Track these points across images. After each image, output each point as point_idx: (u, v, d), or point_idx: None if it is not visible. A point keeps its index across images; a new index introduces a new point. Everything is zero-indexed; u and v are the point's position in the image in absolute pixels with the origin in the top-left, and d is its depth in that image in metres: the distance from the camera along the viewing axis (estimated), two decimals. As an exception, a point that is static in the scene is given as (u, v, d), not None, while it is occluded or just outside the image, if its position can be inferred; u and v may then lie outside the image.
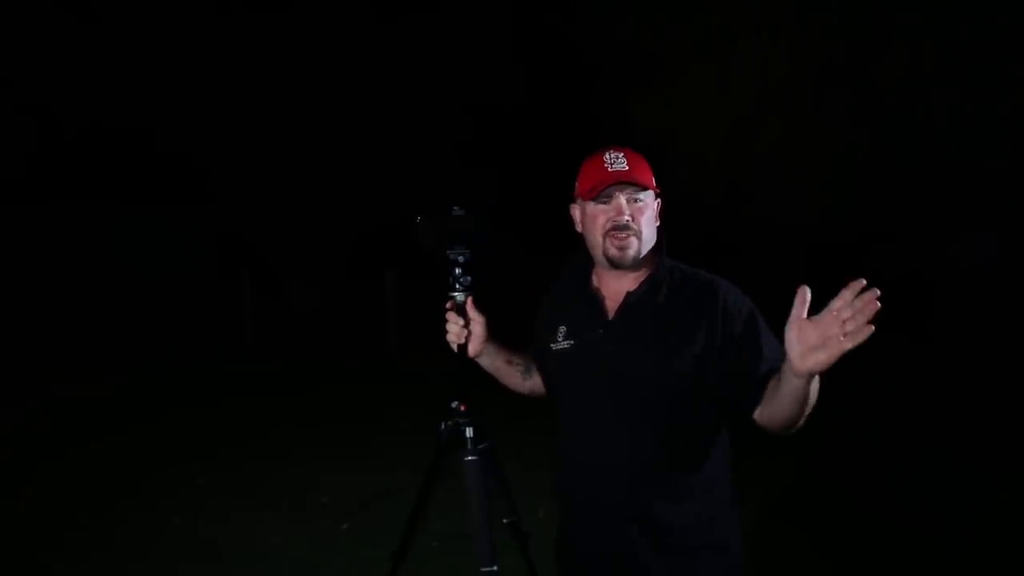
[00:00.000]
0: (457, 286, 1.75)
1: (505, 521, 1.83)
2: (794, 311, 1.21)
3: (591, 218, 1.58)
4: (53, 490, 4.57)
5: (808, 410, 1.36)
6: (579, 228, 1.66)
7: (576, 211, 1.66)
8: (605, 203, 1.55)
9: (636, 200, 1.55)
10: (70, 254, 10.41)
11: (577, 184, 1.62)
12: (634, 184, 1.53)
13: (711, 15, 9.76)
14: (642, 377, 1.53)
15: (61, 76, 9.76)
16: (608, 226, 1.54)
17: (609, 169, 1.54)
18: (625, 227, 1.53)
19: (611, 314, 1.60)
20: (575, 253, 1.75)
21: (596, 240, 1.57)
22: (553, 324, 1.69)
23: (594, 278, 1.67)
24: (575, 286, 1.69)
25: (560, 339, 1.65)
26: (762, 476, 4.26)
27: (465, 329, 1.72)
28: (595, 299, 1.63)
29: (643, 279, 1.59)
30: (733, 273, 1.63)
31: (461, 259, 1.76)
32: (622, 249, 1.54)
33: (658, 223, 1.62)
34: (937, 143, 9.16)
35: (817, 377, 1.31)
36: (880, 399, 6.23)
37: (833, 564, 3.42)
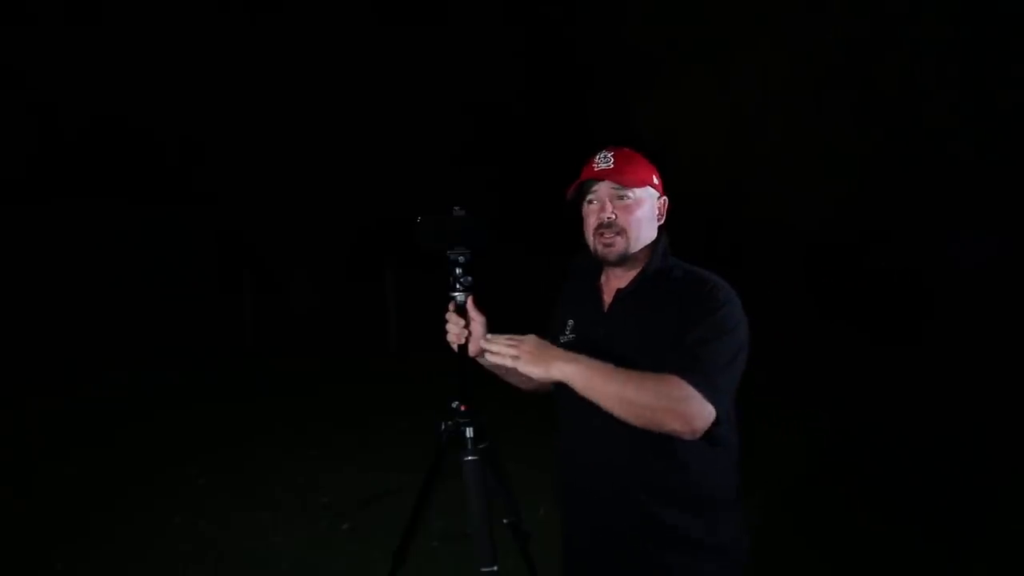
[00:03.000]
0: (457, 286, 1.75)
1: (505, 521, 1.83)
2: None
3: (584, 218, 1.64)
4: (54, 490, 4.57)
5: (618, 409, 1.38)
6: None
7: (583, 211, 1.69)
8: (593, 203, 1.60)
9: (622, 198, 1.57)
10: (70, 254, 10.41)
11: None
12: (616, 182, 1.55)
13: (711, 15, 9.76)
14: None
15: (61, 76, 9.76)
16: (595, 224, 1.59)
17: (595, 168, 1.57)
18: (609, 225, 1.57)
19: (604, 310, 1.63)
20: (577, 252, 1.76)
21: (589, 239, 1.63)
22: (564, 319, 1.73)
23: (603, 275, 1.70)
24: (586, 282, 1.72)
25: (567, 332, 1.69)
26: (763, 477, 4.26)
27: (465, 329, 1.72)
28: (597, 295, 1.67)
29: (636, 276, 1.61)
30: (733, 273, 1.63)
31: (461, 259, 1.76)
32: (607, 246, 1.57)
33: (661, 221, 1.64)
34: (937, 143, 9.15)
35: (591, 380, 1.40)
36: (880, 399, 6.24)
37: (833, 565, 3.42)
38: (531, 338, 1.46)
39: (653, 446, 1.52)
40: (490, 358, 1.45)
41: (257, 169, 10.94)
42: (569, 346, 1.65)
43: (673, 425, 1.38)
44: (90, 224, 10.79)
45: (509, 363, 1.42)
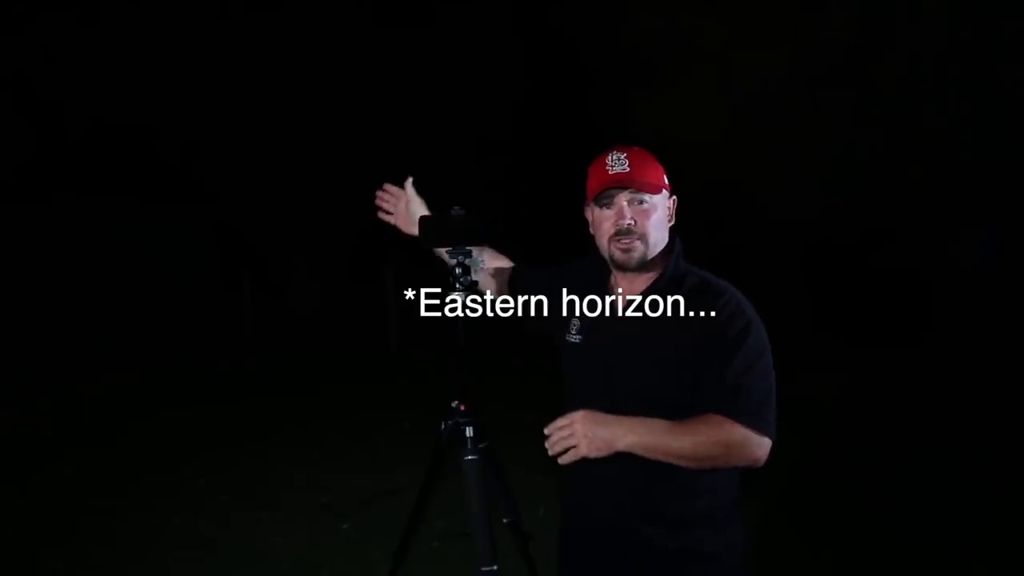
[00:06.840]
0: (457, 286, 1.75)
1: (505, 521, 1.83)
2: None
3: (597, 223, 1.59)
4: (54, 490, 4.57)
5: (683, 463, 1.42)
6: (592, 230, 1.66)
7: (588, 213, 1.65)
8: (608, 207, 1.56)
9: (640, 202, 1.53)
10: (70, 253, 10.39)
11: (586, 187, 1.62)
12: (634, 187, 1.52)
13: (711, 16, 9.75)
14: (634, 379, 1.52)
15: (61, 75, 9.76)
16: (612, 231, 1.54)
17: (610, 172, 1.53)
18: (628, 231, 1.52)
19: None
20: (586, 256, 1.75)
21: (603, 244, 1.58)
22: (569, 314, 1.68)
23: (612, 278, 1.66)
24: (597, 281, 1.68)
25: (573, 332, 1.66)
26: (763, 477, 4.25)
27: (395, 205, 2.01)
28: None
29: (651, 282, 1.58)
30: (733, 272, 1.62)
31: (461, 258, 1.76)
32: (626, 252, 1.53)
33: (671, 223, 1.61)
34: (937, 143, 9.15)
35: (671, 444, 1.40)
36: (880, 399, 6.23)
37: (833, 564, 3.42)
38: (579, 417, 1.40)
39: (654, 464, 1.48)
40: (551, 451, 1.41)
41: (257, 169, 10.93)
42: (576, 348, 1.65)
43: (738, 464, 1.47)
44: (89, 223, 10.77)
45: (571, 458, 1.39)
